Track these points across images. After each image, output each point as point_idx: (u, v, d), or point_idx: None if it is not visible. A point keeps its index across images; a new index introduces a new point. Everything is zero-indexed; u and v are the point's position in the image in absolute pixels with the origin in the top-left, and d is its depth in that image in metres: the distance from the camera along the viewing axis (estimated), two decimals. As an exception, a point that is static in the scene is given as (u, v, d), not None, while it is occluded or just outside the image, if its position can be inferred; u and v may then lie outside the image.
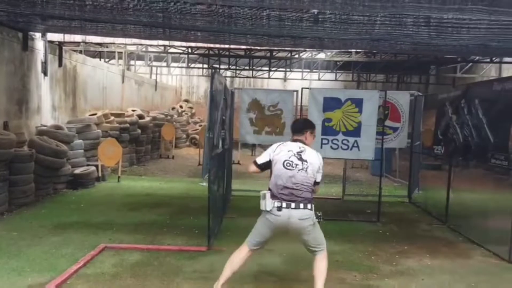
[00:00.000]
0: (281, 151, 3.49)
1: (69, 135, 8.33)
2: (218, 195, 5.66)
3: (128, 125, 11.13)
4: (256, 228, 3.62)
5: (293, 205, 3.36)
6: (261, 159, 3.58)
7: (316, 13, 5.11)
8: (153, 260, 4.33)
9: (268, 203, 3.41)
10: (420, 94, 8.39)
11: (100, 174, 8.75)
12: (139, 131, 11.89)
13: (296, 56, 16.28)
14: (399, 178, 10.23)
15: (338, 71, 18.34)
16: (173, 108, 20.34)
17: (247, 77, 19.40)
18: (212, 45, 14.43)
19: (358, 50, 13.95)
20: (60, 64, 9.67)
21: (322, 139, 6.34)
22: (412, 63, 16.02)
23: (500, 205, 5.30)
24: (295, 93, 7.62)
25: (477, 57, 13.82)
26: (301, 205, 3.38)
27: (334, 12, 4.97)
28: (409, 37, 5.83)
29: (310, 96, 6.38)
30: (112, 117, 10.80)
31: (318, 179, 3.51)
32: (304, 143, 3.55)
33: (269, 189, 3.47)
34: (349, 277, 4.09)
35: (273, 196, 3.41)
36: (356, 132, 6.32)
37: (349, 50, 13.84)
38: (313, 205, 3.47)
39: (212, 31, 6.61)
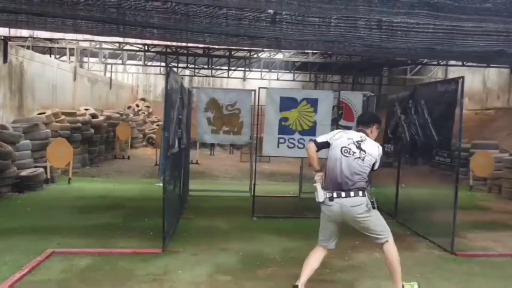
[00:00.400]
0: (340, 137, 3.53)
1: (15, 135, 7.88)
2: (174, 196, 5.58)
3: (80, 124, 10.71)
4: (321, 223, 3.69)
5: (343, 194, 3.37)
6: (321, 138, 3.62)
7: (272, 13, 5.17)
8: (105, 264, 4.19)
9: (320, 195, 3.45)
10: (372, 94, 8.69)
11: (49, 176, 8.34)
12: (92, 130, 11.47)
13: (255, 56, 16.38)
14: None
15: (296, 71, 18.66)
16: (129, 107, 19.78)
17: (206, 76, 19.27)
18: (169, 43, 14.20)
19: (314, 51, 14.29)
20: (5, 60, 9.11)
21: (279, 138, 6.44)
22: (366, 65, 16.65)
23: (443, 199, 5.63)
24: (253, 92, 7.66)
25: (426, 60, 14.60)
26: (352, 193, 3.37)
27: (290, 13, 5.05)
28: (361, 39, 6.02)
29: (267, 95, 6.44)
30: (63, 116, 10.34)
31: (376, 167, 3.54)
32: (367, 135, 3.59)
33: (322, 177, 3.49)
34: (303, 273, 4.16)
35: (326, 187, 3.46)
36: (311, 131, 6.46)
37: (306, 51, 14.15)
38: (366, 192, 3.45)
39: (168, 29, 6.49)
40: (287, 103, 6.40)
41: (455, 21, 4.47)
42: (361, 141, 3.50)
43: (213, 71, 17.95)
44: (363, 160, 3.43)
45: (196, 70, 18.18)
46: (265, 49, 14.77)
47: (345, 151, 3.45)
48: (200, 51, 15.72)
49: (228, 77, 17.95)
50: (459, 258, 4.73)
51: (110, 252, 4.54)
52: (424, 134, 5.59)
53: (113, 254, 4.47)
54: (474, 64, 12.38)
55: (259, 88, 6.71)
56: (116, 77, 20.06)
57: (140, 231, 5.41)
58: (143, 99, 21.72)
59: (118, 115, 14.73)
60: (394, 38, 5.66)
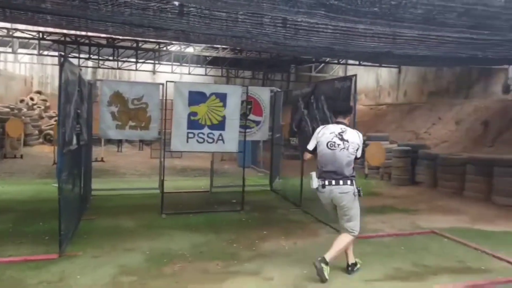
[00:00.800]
0: (323, 134, 3.97)
1: None
2: (73, 196, 5.18)
3: (-42, 119, 9.35)
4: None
5: (333, 182, 3.85)
6: (310, 145, 4.06)
7: (178, 5, 5.05)
8: (-11, 275, 3.74)
9: (314, 182, 3.93)
10: (279, 90, 9.05)
11: None
12: (-26, 127, 10.09)
13: (165, 48, 15.89)
14: (263, 168, 10.92)
15: (207, 66, 18.56)
16: (21, 101, 17.78)
17: (112, 68, 18.16)
18: (67, 31, 13.07)
19: (225, 46, 14.36)
20: None
21: (188, 133, 6.34)
22: (275, 61, 17.23)
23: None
24: (161, 86, 7.42)
25: (328, 59, 15.61)
26: (341, 182, 3.85)
27: (196, 6, 4.99)
28: (267, 36, 6.20)
29: (175, 90, 6.29)
30: None
31: (358, 155, 3.96)
32: (346, 125, 4.02)
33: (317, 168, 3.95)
34: (211, 266, 4.19)
35: (319, 176, 3.91)
36: (221, 125, 6.48)
37: (217, 45, 14.15)
38: (353, 181, 3.90)
39: (64, 15, 5.96)
40: (196, 97, 6.32)
41: (349, 22, 4.84)
42: (343, 132, 3.94)
43: (120, 63, 17.01)
44: (347, 149, 3.88)
45: (101, 62, 17.03)
46: (174, 42, 14.40)
47: (331, 145, 3.90)
48: (104, 41, 14.76)
49: (136, 70, 17.14)
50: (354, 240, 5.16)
51: (-5, 262, 4.06)
52: (324, 128, 5.98)
53: (0, 264, 4.01)
54: (369, 63, 13.59)
55: (167, 81, 6.53)
56: (6, 67, 17.89)
57: (34, 236, 4.93)
58: (38, 92, 19.67)
59: (8, 110, 13.16)
60: (297, 36, 5.94)
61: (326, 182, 3.88)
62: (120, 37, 13.43)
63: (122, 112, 7.18)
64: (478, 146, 9.65)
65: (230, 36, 6.59)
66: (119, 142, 15.18)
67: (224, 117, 6.47)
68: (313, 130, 6.34)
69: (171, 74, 17.55)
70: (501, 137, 9.43)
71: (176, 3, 5.04)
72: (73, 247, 4.53)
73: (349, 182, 3.88)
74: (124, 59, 16.64)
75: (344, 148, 3.88)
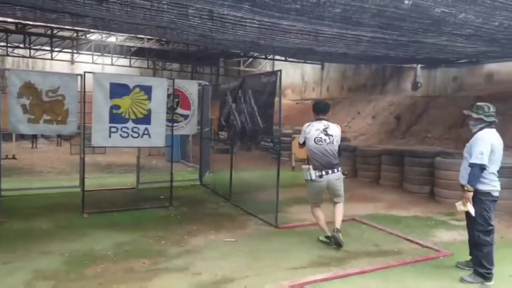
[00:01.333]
0: (310, 131, 4.60)
1: None
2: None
3: None
4: (310, 192, 4.81)
5: (330, 171, 4.60)
6: (301, 139, 4.76)
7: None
8: None
9: (312, 174, 4.57)
10: (207, 84, 8.98)
11: None
12: None
13: (84, 37, 14.87)
14: (193, 163, 10.78)
15: (132, 57, 17.77)
16: None
17: (23, 56, 16.58)
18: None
19: (150, 37, 13.85)
20: None
21: (110, 127, 6.02)
22: (203, 55, 17.04)
23: (270, 180, 6.26)
24: (79, 77, 6.93)
25: (256, 53, 15.84)
26: (335, 170, 4.63)
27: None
28: (193, 28, 6.10)
29: (95, 81, 5.93)
30: None
31: (339, 144, 4.73)
32: (327, 121, 4.66)
33: (306, 159, 4.72)
34: (137, 265, 4.06)
35: (316, 168, 4.56)
36: (146, 119, 6.26)
37: (142, 36, 13.59)
38: (340, 166, 4.71)
39: (-40, -5, 5.29)
40: (118, 89, 6.01)
41: (273, 18, 4.95)
42: (326, 128, 4.61)
43: (33, 52, 15.59)
44: (333, 143, 4.61)
45: (10, 49, 15.43)
46: (93, 30, 13.54)
47: (318, 140, 4.57)
48: (13, 27, 13.40)
49: (52, 59, 15.85)
50: (281, 230, 5.35)
51: None
52: (252, 121, 6.07)
53: None
54: (295, 60, 14.05)
55: (85, 72, 6.12)
56: None
57: None
58: None
59: None
60: (223, 29, 5.92)
61: (323, 173, 4.58)
62: (31, 23, 12.27)
63: (34, 105, 6.58)
64: (391, 138, 10.51)
65: (154, 26, 6.37)
66: (33, 138, 13.93)
67: (149, 111, 6.26)
68: (242, 123, 6.46)
69: (92, 65, 16.51)
70: (411, 130, 10.37)
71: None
72: (-22, 254, 4.09)
73: (340, 169, 4.71)
74: (38, 47, 15.29)
75: (330, 142, 4.60)
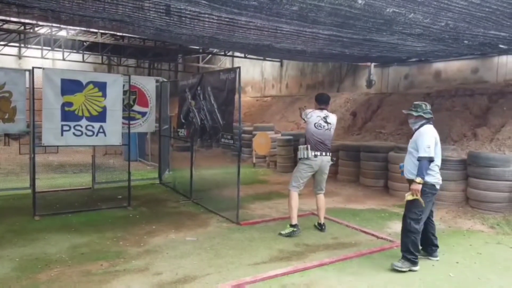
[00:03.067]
0: (311, 116, 5.14)
1: None
2: None
3: None
4: (299, 173, 5.18)
5: (324, 153, 5.11)
6: (303, 116, 5.24)
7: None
8: None
9: (309, 153, 5.05)
10: (165, 80, 8.81)
11: None
12: None
13: (32, 30, 14.06)
14: (151, 161, 10.55)
15: (85, 52, 17.04)
16: None
17: (-36, 50, 15.44)
18: None
19: (104, 31, 13.34)
20: None
21: (62, 125, 5.76)
22: (160, 50, 16.66)
23: (231, 177, 6.26)
24: (27, 73, 6.57)
25: (215, 50, 15.71)
26: (328, 153, 5.16)
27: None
28: (149, 22, 5.95)
29: (45, 77, 5.63)
30: None
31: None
32: (328, 111, 5.25)
33: (305, 142, 5.15)
34: (95, 267, 3.92)
35: (313, 148, 5.05)
36: (101, 117, 6.04)
37: (94, 30, 13.06)
38: (330, 153, 5.21)
39: None
40: (70, 86, 5.75)
41: (231, 14, 4.93)
42: (326, 116, 5.17)
43: (-27, 45, 14.55)
44: (330, 130, 5.16)
45: None
46: (42, 23, 12.83)
47: (317, 125, 5.10)
48: (-49, 18, 12.42)
49: (-3, 53, 14.88)
50: (243, 227, 5.36)
51: None
52: (212, 119, 6.03)
53: None
54: (254, 56, 14.09)
55: (33, 68, 5.81)
56: None
57: None
58: None
59: None
60: (181, 24, 5.82)
61: (318, 153, 5.07)
62: (-27, 14, 11.43)
63: (-22, 102, 6.18)
64: (348, 134, 10.83)
65: (107, 19, 6.14)
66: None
67: (104, 108, 6.05)
68: (201, 121, 6.40)
69: (42, 60, 15.71)
70: (366, 126, 10.74)
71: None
72: None
73: (330, 154, 5.20)
74: (-20, 41, 14.28)
75: (328, 129, 5.14)
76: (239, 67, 5.46)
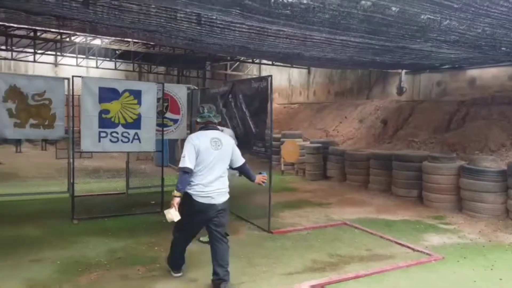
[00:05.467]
0: None
1: None
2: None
3: None
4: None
5: None
6: None
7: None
8: None
9: None
10: (196, 88, 8.94)
11: None
12: None
13: (68, 39, 14.62)
14: (181, 167, 10.69)
15: (117, 60, 17.55)
16: None
17: (5, 59, 16.20)
18: None
19: (136, 40, 13.73)
20: None
21: (100, 132, 5.95)
22: (189, 58, 16.95)
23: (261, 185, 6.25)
24: (66, 81, 6.84)
25: (243, 58, 15.85)
26: None
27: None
28: (182, 32, 6.09)
29: (83, 85, 5.85)
30: None
31: None
32: None
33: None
34: (132, 272, 4.02)
35: None
36: (136, 124, 6.21)
37: (127, 39, 13.45)
38: None
39: None
40: (107, 94, 5.95)
41: (262, 23, 4.98)
42: None
43: (14, 54, 15.24)
44: None
45: (-9, 51, 15.06)
46: (79, 33, 13.33)
47: None
48: (-5, 28, 13.09)
49: (35, 61, 15.54)
50: (274, 235, 5.36)
51: None
52: (243, 126, 6.09)
53: None
54: (281, 64, 14.12)
55: (73, 76, 6.04)
56: None
57: None
58: None
59: None
60: (212, 34, 5.93)
61: None
62: (15, 25, 12.01)
63: (21, 109, 6.48)
64: (378, 143, 10.66)
65: (142, 30, 6.33)
66: (17, 142, 13.62)
67: (139, 115, 6.21)
68: (233, 128, 6.45)
69: (76, 68, 16.24)
70: (397, 134, 10.54)
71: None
72: (-35, 264, 3.98)
73: None
74: (20, 49, 14.95)
75: None
76: (270, 76, 5.49)
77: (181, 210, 3.52)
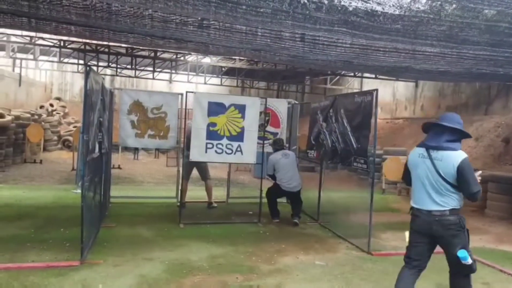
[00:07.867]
0: None
1: None
2: (94, 203, 5.23)
3: (-19, 125, 9.56)
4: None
5: None
6: None
7: (199, 18, 5.12)
8: (12, 280, 3.78)
9: None
10: (296, 102, 9.05)
11: None
12: (-4, 132, 10.32)
13: (182, 58, 16.10)
14: (278, 180, 10.85)
15: (223, 76, 18.71)
16: (41, 107, 18.13)
17: (129, 76, 18.43)
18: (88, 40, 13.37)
19: (241, 58, 14.47)
20: None
21: (207, 143, 6.36)
22: (290, 73, 17.30)
23: (360, 202, 6.03)
24: (180, 96, 7.51)
25: (344, 71, 15.59)
26: None
27: (217, 20, 5.05)
28: (286, 50, 6.23)
29: (195, 100, 6.35)
30: (-39, 116, 9.14)
31: None
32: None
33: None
34: (231, 279, 4.17)
35: None
36: (239, 136, 6.50)
37: (233, 57, 14.28)
38: None
39: (88, 26, 6.09)
40: (215, 108, 6.36)
41: (369, 39, 4.85)
42: None
43: (137, 72, 17.28)
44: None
45: (119, 70, 17.32)
46: (192, 53, 14.60)
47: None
48: (123, 50, 15.05)
49: (154, 78, 17.40)
50: (374, 257, 5.09)
51: (19, 267, 4.11)
52: (344, 141, 5.95)
53: (23, 269, 4.05)
54: (385, 77, 13.52)
55: (187, 92, 6.59)
56: (27, 73, 18.30)
57: (55, 242, 4.98)
58: (58, 99, 20.06)
59: (28, 115, 13.43)
60: (315, 50, 5.95)
61: None
62: (140, 47, 13.66)
63: (141, 121, 7.29)
64: (498, 164, 9.46)
65: (249, 49, 6.65)
66: (135, 150, 15.34)
67: (243, 129, 6.49)
68: (332, 143, 6.37)
69: (187, 84, 17.73)
70: (523, 154, 9.25)
71: (198, 17, 5.12)
72: (94, 255, 4.56)
73: None
74: (142, 68, 16.89)
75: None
76: (376, 90, 5.29)
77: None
